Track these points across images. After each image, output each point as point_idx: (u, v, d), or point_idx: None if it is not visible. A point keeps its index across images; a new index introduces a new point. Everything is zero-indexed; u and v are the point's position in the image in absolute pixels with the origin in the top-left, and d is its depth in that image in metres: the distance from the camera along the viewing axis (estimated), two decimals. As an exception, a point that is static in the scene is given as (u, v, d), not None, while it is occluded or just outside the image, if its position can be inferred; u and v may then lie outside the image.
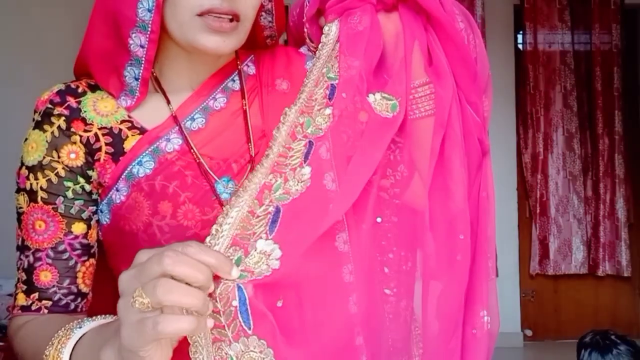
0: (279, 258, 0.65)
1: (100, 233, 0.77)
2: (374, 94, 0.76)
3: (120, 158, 0.74)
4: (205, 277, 0.54)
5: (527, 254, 4.29)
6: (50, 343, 0.63)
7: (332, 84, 0.76)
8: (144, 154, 0.74)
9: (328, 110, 0.74)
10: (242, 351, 0.63)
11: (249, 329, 0.63)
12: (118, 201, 0.74)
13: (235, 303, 0.62)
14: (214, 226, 0.67)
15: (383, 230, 0.75)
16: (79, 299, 0.75)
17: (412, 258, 0.75)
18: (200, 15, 0.70)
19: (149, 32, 0.72)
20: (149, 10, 0.71)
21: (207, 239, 0.66)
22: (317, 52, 0.81)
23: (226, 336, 0.62)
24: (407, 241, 0.75)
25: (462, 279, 0.75)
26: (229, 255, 0.64)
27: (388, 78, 0.78)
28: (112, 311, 0.58)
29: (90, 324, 0.63)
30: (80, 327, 0.63)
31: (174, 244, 0.56)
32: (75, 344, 0.62)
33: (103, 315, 0.65)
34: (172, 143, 0.75)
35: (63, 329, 0.63)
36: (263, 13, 0.83)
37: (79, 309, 0.75)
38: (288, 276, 0.66)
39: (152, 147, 0.74)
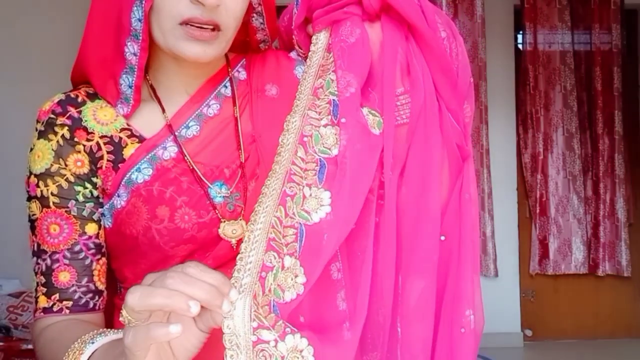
0: (303, 284, 0.67)
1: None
2: (362, 108, 0.78)
3: (120, 165, 0.77)
4: (206, 294, 0.54)
5: (527, 254, 4.28)
6: (65, 354, 0.65)
7: (333, 100, 0.77)
8: (142, 161, 0.77)
9: (334, 130, 0.75)
10: (291, 348, 0.62)
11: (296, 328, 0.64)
12: (119, 206, 0.76)
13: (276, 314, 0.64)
14: (246, 233, 0.69)
15: (363, 229, 0.76)
16: (97, 297, 0.78)
17: (392, 256, 0.76)
18: (182, 24, 0.72)
19: (140, 41, 0.74)
20: (140, 20, 0.73)
21: (242, 246, 0.68)
22: (307, 60, 0.82)
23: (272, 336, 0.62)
24: (388, 240, 0.77)
25: (442, 279, 0.76)
26: (268, 263, 0.66)
27: (372, 90, 0.79)
28: (110, 308, 0.58)
29: (102, 339, 0.65)
30: (92, 342, 0.65)
31: (174, 266, 0.57)
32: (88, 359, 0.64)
33: (114, 330, 0.67)
34: (169, 151, 0.78)
35: (77, 342, 0.66)
36: (254, 14, 0.84)
37: (97, 307, 0.78)
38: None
39: (150, 155, 0.77)
